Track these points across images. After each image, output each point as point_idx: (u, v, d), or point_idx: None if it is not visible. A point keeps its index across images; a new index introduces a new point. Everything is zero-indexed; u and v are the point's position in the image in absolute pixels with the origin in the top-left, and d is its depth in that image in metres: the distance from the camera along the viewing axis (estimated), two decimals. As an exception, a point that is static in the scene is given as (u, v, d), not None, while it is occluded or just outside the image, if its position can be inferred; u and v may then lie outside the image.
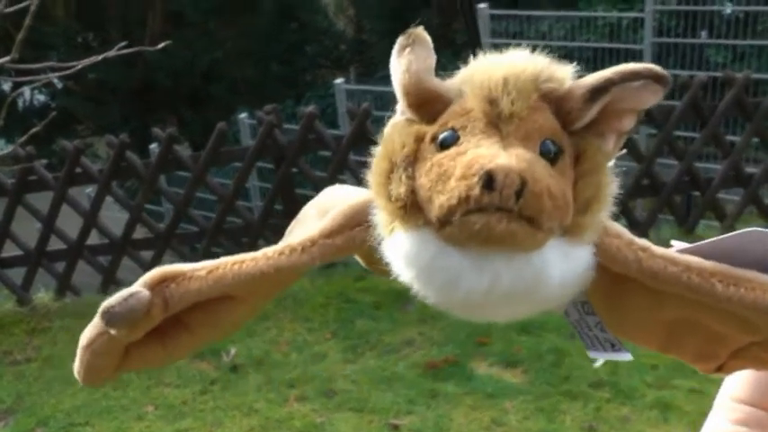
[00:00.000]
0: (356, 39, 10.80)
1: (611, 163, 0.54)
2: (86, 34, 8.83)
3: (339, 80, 6.95)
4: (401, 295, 3.52)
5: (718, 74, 5.26)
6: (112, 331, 0.57)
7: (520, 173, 0.47)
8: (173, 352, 0.62)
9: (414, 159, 0.52)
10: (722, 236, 0.56)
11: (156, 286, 0.57)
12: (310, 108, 3.77)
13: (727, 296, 0.53)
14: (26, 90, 9.50)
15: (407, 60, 0.54)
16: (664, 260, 0.53)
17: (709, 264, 0.54)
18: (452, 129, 0.52)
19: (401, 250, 0.52)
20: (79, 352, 0.59)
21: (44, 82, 2.48)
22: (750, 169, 4.03)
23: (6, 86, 8.47)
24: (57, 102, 9.67)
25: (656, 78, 0.52)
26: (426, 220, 0.50)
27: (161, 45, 2.22)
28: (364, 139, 3.54)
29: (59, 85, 9.59)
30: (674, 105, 3.92)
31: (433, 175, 0.50)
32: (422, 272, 0.51)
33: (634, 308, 0.58)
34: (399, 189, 0.51)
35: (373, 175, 0.54)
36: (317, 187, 3.83)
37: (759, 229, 0.54)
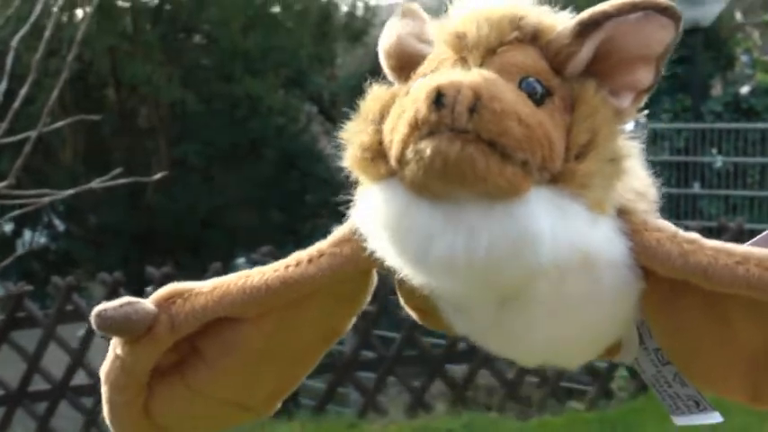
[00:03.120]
0: (356, 188, 10.95)
1: (631, 125, 0.47)
2: (91, 177, 9.02)
3: (338, 227, 7.00)
4: (393, 443, 3.38)
5: (712, 224, 5.31)
6: (117, 351, 0.53)
7: (472, 87, 0.40)
8: (193, 386, 0.57)
9: (386, 114, 0.46)
10: None
11: (163, 303, 0.54)
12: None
13: None
14: (26, 232, 9.58)
15: (392, 26, 0.51)
16: (715, 251, 0.45)
17: None
18: (423, 76, 0.46)
19: (371, 208, 0.45)
20: (102, 390, 0.57)
21: (38, 206, 2.50)
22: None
23: (8, 228, 8.56)
24: (57, 244, 9.72)
25: (658, 8, 0.44)
26: (390, 168, 0.44)
27: (158, 175, 2.24)
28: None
29: (61, 228, 9.67)
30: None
31: (394, 115, 0.44)
32: (394, 233, 0.44)
33: (699, 333, 0.48)
34: (364, 138, 0.46)
35: (347, 137, 0.48)
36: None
37: None
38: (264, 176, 9.05)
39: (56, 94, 2.13)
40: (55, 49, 5.63)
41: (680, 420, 0.55)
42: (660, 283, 0.47)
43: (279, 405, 0.64)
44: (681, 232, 0.47)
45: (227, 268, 6.57)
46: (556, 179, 0.42)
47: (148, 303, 0.54)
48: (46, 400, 3.59)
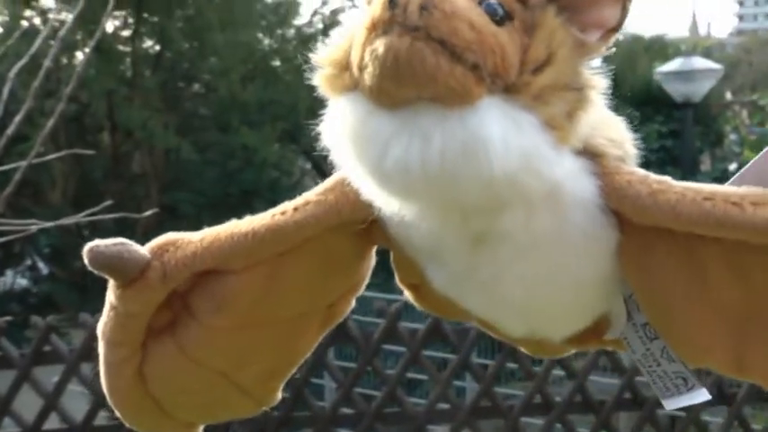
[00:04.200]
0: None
1: (598, 62, 0.48)
2: (79, 222, 8.99)
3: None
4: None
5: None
6: (112, 299, 0.56)
7: None
8: (185, 347, 0.58)
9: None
10: (761, 154, 0.49)
11: (156, 251, 0.56)
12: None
13: (763, 218, 0.44)
14: (9, 273, 9.51)
15: None
16: (683, 189, 0.47)
17: (741, 189, 0.47)
18: None
19: (335, 119, 0.48)
20: (99, 350, 0.59)
21: (27, 234, 2.50)
22: (734, 389, 3.95)
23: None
24: (39, 287, 9.63)
25: None
26: (354, 78, 0.46)
27: (148, 212, 2.25)
28: (344, 336, 3.48)
29: (44, 271, 9.59)
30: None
31: (359, 29, 0.46)
32: (355, 141, 0.46)
33: (677, 288, 0.49)
34: (334, 55, 0.48)
35: (320, 59, 0.49)
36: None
37: None
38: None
39: (51, 124, 2.13)
40: (53, 89, 5.67)
41: (670, 404, 0.56)
42: (635, 235, 0.48)
43: (278, 394, 0.64)
44: (652, 175, 0.49)
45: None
46: (509, 90, 0.44)
47: (142, 249, 0.56)
48: (15, 443, 3.50)
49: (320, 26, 10.24)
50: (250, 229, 0.56)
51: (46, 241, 9.12)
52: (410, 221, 0.49)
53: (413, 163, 0.43)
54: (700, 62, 7.58)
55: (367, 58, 0.43)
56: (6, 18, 8.77)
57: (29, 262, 9.71)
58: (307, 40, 9.89)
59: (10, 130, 2.07)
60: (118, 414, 0.63)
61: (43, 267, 9.72)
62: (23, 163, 2.27)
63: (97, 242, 0.56)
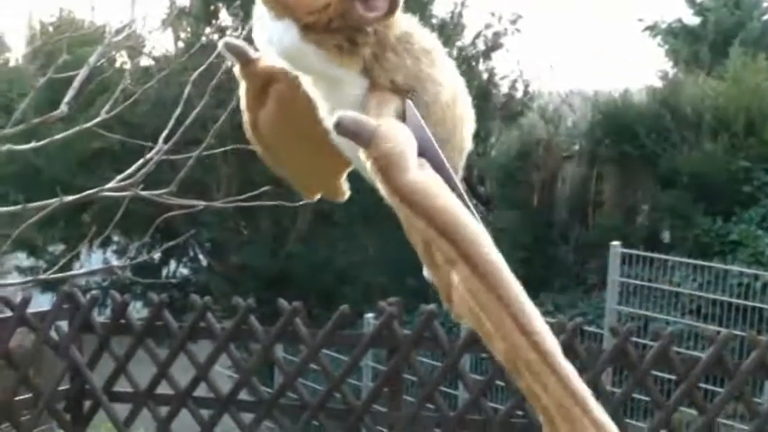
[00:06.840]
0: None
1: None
2: (238, 219, 9.49)
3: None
4: None
5: None
6: (237, 71, 1.25)
7: None
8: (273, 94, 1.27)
9: None
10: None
11: (253, 60, 1.25)
12: (431, 306, 3.82)
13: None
14: (172, 262, 10.19)
15: None
16: (387, 126, 1.04)
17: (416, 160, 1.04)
18: None
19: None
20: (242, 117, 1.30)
21: (193, 210, 2.76)
22: None
23: (156, 256, 9.17)
24: (197, 277, 10.23)
25: None
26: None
27: (302, 202, 2.41)
28: (479, 343, 3.52)
29: (204, 262, 10.18)
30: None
31: None
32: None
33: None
34: None
35: None
36: (423, 382, 3.67)
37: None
38: (404, 239, 9.15)
39: (222, 119, 2.36)
40: (223, 99, 6.08)
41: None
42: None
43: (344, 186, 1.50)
44: (388, 106, 1.08)
45: (356, 327, 6.70)
46: (305, 27, 1.05)
47: (253, 52, 1.22)
48: (168, 405, 3.78)
49: (482, 48, 10.36)
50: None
51: (207, 235, 9.70)
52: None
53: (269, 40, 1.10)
54: None
55: None
56: (189, 35, 9.57)
57: (191, 254, 10.35)
58: (468, 61, 10.04)
59: (188, 121, 2.33)
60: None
61: (203, 259, 10.31)
62: (194, 154, 2.51)
63: (231, 39, 1.23)
